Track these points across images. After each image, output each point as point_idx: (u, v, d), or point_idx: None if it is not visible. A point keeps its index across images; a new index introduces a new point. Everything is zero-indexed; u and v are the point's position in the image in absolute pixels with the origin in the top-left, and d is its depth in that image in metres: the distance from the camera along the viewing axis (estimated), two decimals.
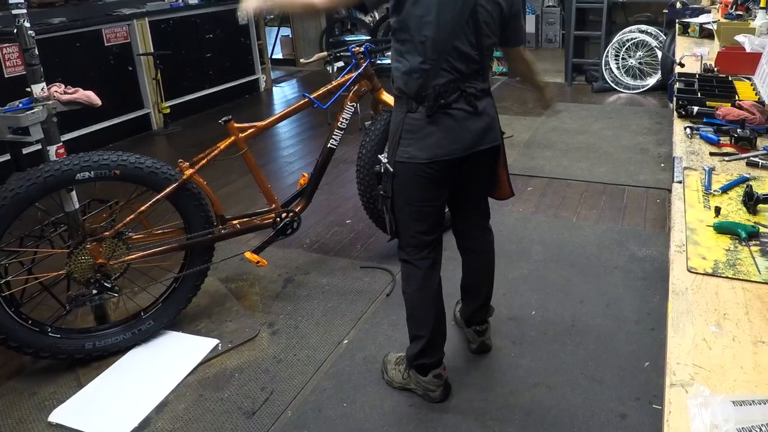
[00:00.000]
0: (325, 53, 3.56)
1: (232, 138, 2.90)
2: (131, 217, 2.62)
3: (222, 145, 2.87)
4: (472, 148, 2.16)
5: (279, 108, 7.06)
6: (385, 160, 2.18)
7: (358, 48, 3.06)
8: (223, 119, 2.89)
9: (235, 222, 2.98)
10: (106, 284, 2.59)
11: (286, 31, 9.30)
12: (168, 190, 2.62)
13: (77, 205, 2.56)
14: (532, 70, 2.45)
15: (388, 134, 3.10)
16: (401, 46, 2.07)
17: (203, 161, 2.80)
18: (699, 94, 2.56)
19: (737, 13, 4.15)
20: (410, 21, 2.01)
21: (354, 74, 3.14)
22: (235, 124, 2.90)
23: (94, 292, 2.59)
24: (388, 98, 3.16)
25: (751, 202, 1.61)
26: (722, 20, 4.04)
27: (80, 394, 2.48)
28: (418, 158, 2.11)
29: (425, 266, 2.29)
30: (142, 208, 2.62)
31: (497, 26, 2.13)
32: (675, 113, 2.38)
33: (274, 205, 3.09)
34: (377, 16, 7.57)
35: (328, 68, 5.49)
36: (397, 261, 3.28)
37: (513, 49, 2.33)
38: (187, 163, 2.76)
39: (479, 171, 2.29)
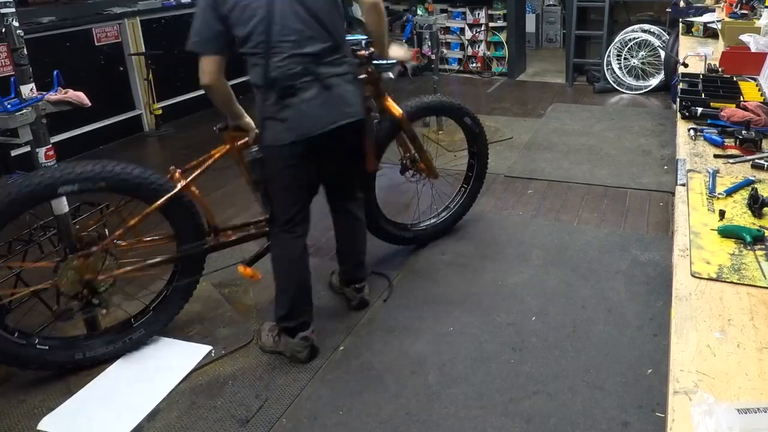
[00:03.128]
0: None
1: (228, 147, 2.81)
2: (120, 231, 2.56)
3: (216, 154, 2.79)
4: (331, 124, 2.41)
5: None
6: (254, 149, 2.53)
7: (363, 52, 2.88)
8: (217, 126, 2.83)
9: (229, 232, 2.90)
10: (93, 301, 2.51)
11: None
12: (159, 202, 2.52)
13: (67, 209, 2.51)
14: (382, 27, 2.66)
15: (385, 140, 3.07)
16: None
17: (197, 171, 2.71)
18: (703, 94, 2.54)
19: (742, 12, 4.12)
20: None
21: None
22: (232, 133, 2.81)
23: (82, 305, 2.51)
24: (392, 106, 3.07)
25: (756, 205, 1.60)
26: (727, 19, 4.02)
27: (70, 402, 2.44)
28: (282, 140, 2.39)
29: (293, 236, 2.55)
30: (132, 222, 2.55)
31: None
32: (678, 114, 2.38)
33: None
34: None
35: None
36: (394, 267, 3.32)
37: None
38: (179, 172, 2.66)
39: (342, 146, 2.55)
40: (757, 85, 2.68)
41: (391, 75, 2.89)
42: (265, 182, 2.54)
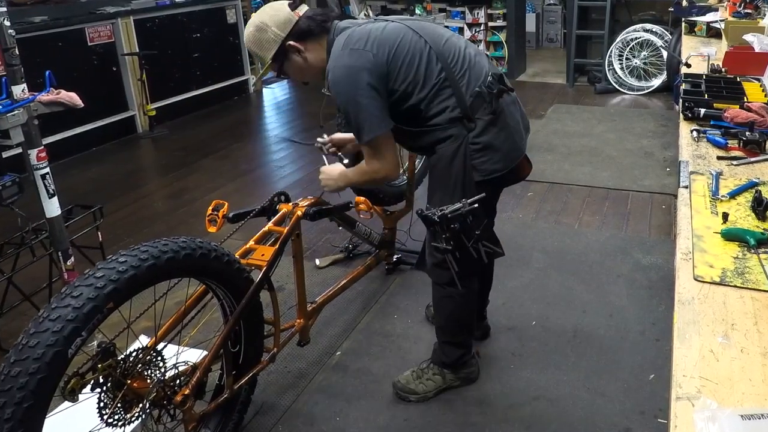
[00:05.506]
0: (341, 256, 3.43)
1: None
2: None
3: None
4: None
5: (270, 110, 7.02)
6: (452, 208, 1.99)
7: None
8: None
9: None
10: None
11: None
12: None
13: (59, 211, 2.49)
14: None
15: None
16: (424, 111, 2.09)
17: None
18: (706, 95, 2.53)
19: (746, 11, 4.10)
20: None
21: None
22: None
23: None
24: None
25: (760, 207, 1.59)
26: (730, 19, 4.00)
27: None
28: (497, 171, 2.12)
29: (477, 286, 2.40)
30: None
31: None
32: (681, 115, 2.36)
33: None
34: (371, 15, 7.51)
35: None
36: (393, 270, 3.30)
37: None
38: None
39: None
40: (761, 86, 2.67)
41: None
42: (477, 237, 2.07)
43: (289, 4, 2.11)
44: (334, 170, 2.35)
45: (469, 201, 1.99)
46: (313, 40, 2.11)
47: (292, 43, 2.09)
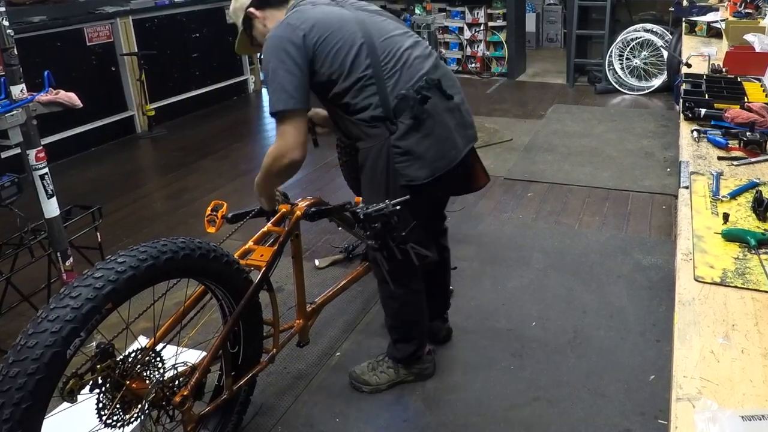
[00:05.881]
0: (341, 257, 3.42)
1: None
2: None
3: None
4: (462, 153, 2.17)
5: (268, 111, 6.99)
6: (375, 207, 1.99)
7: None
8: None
9: None
10: None
11: None
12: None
13: (58, 212, 2.48)
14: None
15: None
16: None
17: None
18: (706, 95, 2.52)
19: (746, 11, 4.09)
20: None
21: None
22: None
23: None
24: None
25: (761, 208, 1.58)
26: (731, 19, 3.99)
27: None
28: (418, 179, 2.08)
29: (421, 286, 2.36)
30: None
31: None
32: (681, 116, 2.35)
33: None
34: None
35: None
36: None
37: None
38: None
39: (459, 171, 2.24)
40: (761, 86, 2.66)
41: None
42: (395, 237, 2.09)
43: None
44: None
45: (393, 202, 1.98)
46: (272, 10, 2.18)
47: (251, 10, 2.18)
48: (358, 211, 2.03)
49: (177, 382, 1.92)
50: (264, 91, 7.49)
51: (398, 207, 1.97)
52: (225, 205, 2.35)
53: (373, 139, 2.08)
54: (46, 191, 2.53)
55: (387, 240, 2.04)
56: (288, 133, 2.02)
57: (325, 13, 2.08)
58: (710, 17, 4.16)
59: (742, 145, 2.00)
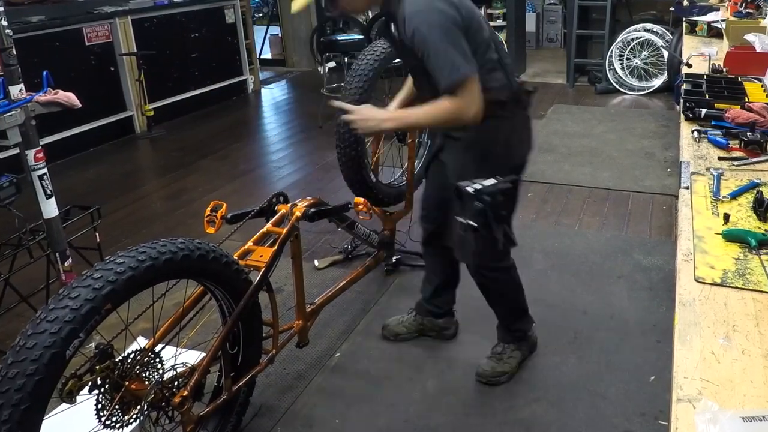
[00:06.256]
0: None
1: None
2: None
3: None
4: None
5: (269, 110, 7.02)
6: (491, 182, 2.06)
7: None
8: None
9: None
10: None
11: (275, 30, 9.15)
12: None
13: (57, 212, 2.48)
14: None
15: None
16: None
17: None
18: (707, 95, 2.52)
19: (747, 11, 4.09)
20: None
21: None
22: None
23: None
24: None
25: (761, 208, 1.58)
26: (731, 18, 4.00)
27: None
28: (525, 159, 2.29)
29: (513, 262, 2.50)
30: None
31: None
32: (682, 116, 2.35)
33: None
34: (370, 15, 7.48)
35: (319, 69, 5.37)
36: (392, 271, 3.29)
37: None
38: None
39: None
40: (762, 86, 2.66)
41: None
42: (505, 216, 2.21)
43: None
44: (373, 109, 2.23)
45: (505, 179, 2.08)
46: None
47: None
48: (467, 187, 2.01)
49: (176, 383, 1.92)
50: (264, 91, 7.51)
51: (509, 184, 2.06)
52: (224, 205, 2.35)
53: (505, 114, 2.15)
54: (44, 191, 2.53)
55: (490, 220, 2.04)
56: (475, 93, 1.99)
57: None
58: (711, 17, 4.16)
59: (742, 145, 2.00)
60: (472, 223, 2.04)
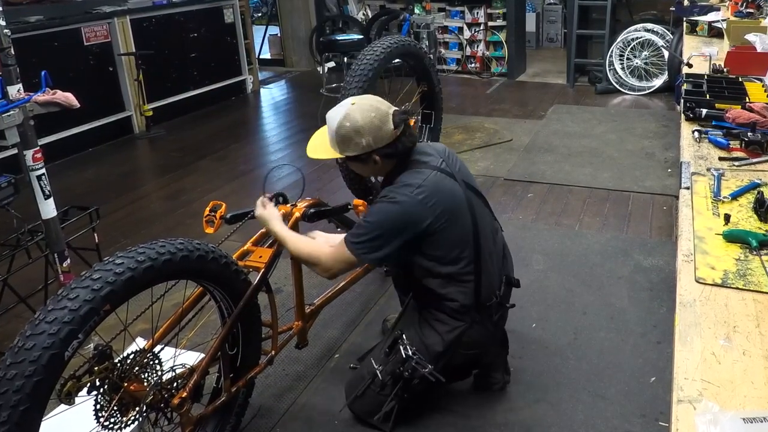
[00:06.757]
0: None
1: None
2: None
3: None
4: None
5: (268, 110, 7.01)
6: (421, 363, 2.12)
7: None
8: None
9: None
10: None
11: (274, 29, 9.12)
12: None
13: (55, 213, 2.47)
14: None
15: None
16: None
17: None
18: (707, 95, 2.54)
19: (748, 11, 4.10)
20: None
21: None
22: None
23: None
24: None
25: (762, 209, 1.59)
26: (732, 18, 4.00)
27: None
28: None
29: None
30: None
31: None
32: (682, 116, 2.37)
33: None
34: (369, 14, 7.50)
35: (318, 69, 5.35)
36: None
37: None
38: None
39: None
40: (763, 86, 2.67)
41: None
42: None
43: (395, 118, 2.04)
44: (274, 212, 2.24)
45: (433, 371, 2.09)
46: (394, 160, 2.11)
47: (377, 157, 2.07)
48: (407, 347, 2.12)
49: (175, 384, 1.92)
50: (263, 91, 7.50)
51: (433, 379, 2.09)
52: (223, 205, 2.34)
53: (452, 322, 2.15)
54: (43, 192, 2.52)
55: (396, 386, 2.15)
56: (342, 263, 2.05)
57: (445, 192, 2.04)
58: (711, 17, 4.16)
59: (743, 145, 2.01)
60: (379, 375, 2.15)
